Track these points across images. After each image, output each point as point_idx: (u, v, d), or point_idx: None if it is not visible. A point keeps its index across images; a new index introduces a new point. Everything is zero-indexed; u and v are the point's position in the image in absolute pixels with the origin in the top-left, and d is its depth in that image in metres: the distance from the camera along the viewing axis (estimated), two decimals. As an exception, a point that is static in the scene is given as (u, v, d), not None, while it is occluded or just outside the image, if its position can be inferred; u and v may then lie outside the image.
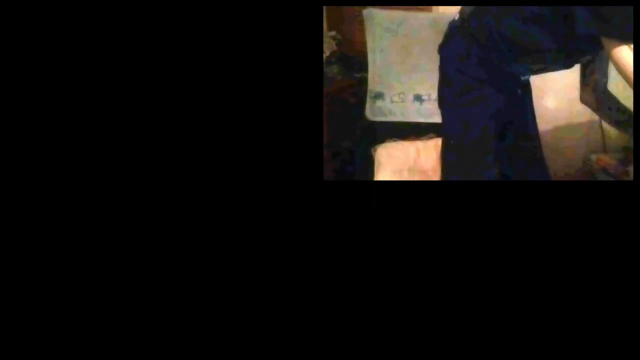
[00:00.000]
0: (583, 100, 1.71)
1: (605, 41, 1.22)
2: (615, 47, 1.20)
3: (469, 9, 1.47)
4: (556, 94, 2.05)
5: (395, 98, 2.34)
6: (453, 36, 1.50)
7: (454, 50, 1.50)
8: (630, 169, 1.81)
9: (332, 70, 2.46)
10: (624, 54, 1.19)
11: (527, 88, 1.62)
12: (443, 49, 1.53)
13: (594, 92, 1.63)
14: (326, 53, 2.45)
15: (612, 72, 1.54)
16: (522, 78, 1.54)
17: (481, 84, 1.45)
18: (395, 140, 2.31)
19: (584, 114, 1.91)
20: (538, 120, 1.71)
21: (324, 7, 2.43)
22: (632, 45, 1.18)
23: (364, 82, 2.39)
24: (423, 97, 2.26)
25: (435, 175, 1.99)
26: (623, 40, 1.19)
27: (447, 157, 1.57)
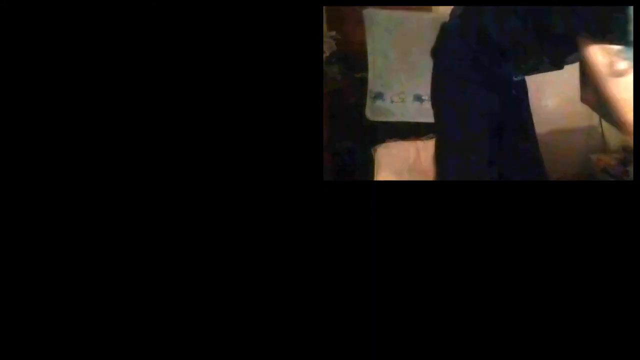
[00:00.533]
0: (584, 99, 1.71)
1: (579, 41, 1.19)
2: (586, 46, 1.17)
3: (459, 10, 1.47)
4: (556, 93, 2.05)
5: (395, 98, 2.35)
6: (445, 38, 1.50)
7: (446, 52, 1.49)
8: (630, 169, 1.81)
9: (332, 70, 2.46)
10: (594, 54, 1.16)
11: (522, 88, 1.61)
12: (435, 51, 1.53)
13: (594, 91, 1.63)
14: (326, 53, 2.45)
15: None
16: (515, 79, 1.54)
17: (474, 85, 1.45)
18: (395, 140, 2.32)
19: (584, 113, 1.91)
20: (538, 120, 1.70)
21: (324, 7, 2.43)
22: (605, 45, 1.14)
23: (364, 82, 2.39)
24: (423, 97, 2.27)
25: (435, 175, 1.99)
26: (595, 39, 1.15)
27: (440, 158, 1.57)
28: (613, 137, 2.02)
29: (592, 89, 1.63)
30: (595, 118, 1.93)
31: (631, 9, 1.12)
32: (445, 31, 1.51)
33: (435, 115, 1.59)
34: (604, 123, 1.96)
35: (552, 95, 2.05)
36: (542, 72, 1.52)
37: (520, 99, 1.62)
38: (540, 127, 1.75)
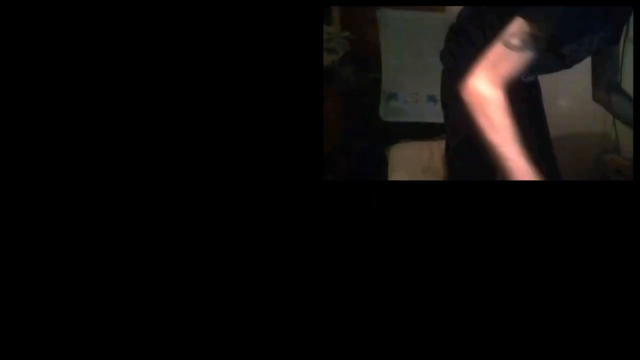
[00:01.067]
0: (596, 99, 1.68)
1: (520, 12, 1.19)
2: (518, 15, 1.16)
3: (466, 11, 1.46)
4: (569, 93, 2.02)
5: (409, 98, 2.35)
6: (452, 39, 1.49)
7: (454, 54, 1.48)
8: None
9: (346, 71, 2.46)
10: (512, 21, 1.16)
11: (533, 89, 1.59)
12: (444, 53, 1.52)
13: (607, 90, 1.60)
14: (340, 53, 2.46)
15: (626, 70, 1.52)
16: (524, 79, 1.52)
17: None
18: (409, 141, 2.30)
19: (597, 113, 1.88)
20: (550, 121, 1.68)
21: (338, 8, 2.45)
22: (523, 21, 1.15)
23: (377, 82, 2.39)
24: (437, 98, 2.24)
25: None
26: (530, 15, 1.16)
27: (451, 159, 1.56)
28: (627, 137, 1.98)
29: (604, 87, 1.61)
30: (609, 117, 1.89)
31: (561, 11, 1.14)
32: (453, 33, 1.50)
33: (445, 116, 1.59)
34: (617, 123, 1.92)
35: (565, 94, 2.02)
36: (553, 71, 1.50)
37: (531, 100, 1.60)
38: (553, 128, 1.73)
